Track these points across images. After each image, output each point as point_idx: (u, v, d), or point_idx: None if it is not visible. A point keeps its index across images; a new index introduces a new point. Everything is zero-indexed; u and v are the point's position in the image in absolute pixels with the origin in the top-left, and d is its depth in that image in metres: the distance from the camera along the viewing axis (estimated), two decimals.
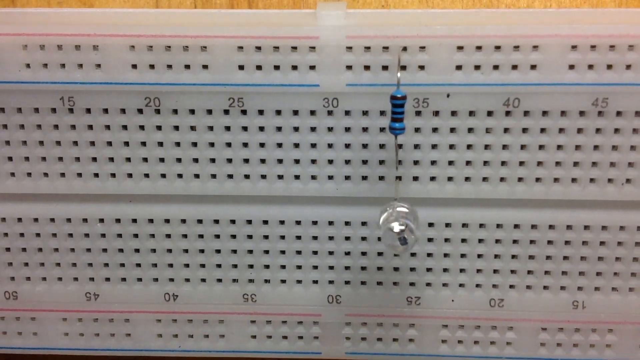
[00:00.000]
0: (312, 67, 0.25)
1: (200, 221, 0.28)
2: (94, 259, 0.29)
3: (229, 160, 0.27)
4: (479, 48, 0.25)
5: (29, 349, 0.30)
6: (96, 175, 0.27)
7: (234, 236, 0.28)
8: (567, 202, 0.27)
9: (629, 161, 0.26)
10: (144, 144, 0.27)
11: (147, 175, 0.27)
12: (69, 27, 0.25)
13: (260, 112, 0.26)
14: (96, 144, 0.27)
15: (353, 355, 0.29)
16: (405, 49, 0.25)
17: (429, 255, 0.28)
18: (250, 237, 0.28)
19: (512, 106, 0.25)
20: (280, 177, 0.27)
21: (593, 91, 0.25)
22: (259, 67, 0.25)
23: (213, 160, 0.27)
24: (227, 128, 0.26)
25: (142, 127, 0.27)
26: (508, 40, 0.25)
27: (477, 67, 0.25)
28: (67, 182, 0.27)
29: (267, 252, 0.28)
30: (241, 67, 0.26)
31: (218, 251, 0.28)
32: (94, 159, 0.27)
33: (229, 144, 0.27)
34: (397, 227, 0.24)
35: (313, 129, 0.26)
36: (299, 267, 0.28)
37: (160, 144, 0.27)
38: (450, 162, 0.27)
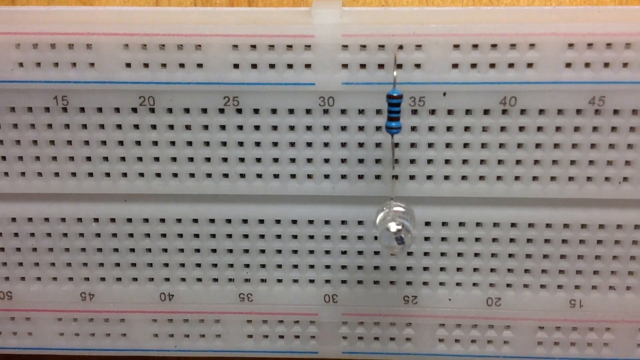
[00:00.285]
0: (308, 66, 0.25)
1: (195, 220, 0.28)
2: (89, 258, 0.28)
3: (225, 160, 0.27)
4: (475, 46, 0.25)
5: (24, 349, 0.30)
6: (90, 174, 0.27)
7: (229, 235, 0.28)
8: (564, 200, 0.27)
9: (626, 159, 0.26)
10: (138, 143, 0.27)
11: (141, 175, 0.27)
12: (62, 26, 0.25)
13: (256, 111, 0.26)
14: (90, 143, 0.27)
15: (350, 355, 0.29)
16: (401, 47, 0.25)
17: (426, 254, 0.28)
18: (246, 236, 0.28)
19: (508, 104, 0.25)
20: (276, 176, 0.27)
21: (590, 89, 0.25)
22: (254, 66, 0.25)
23: (208, 160, 0.27)
24: (222, 127, 0.26)
25: (136, 126, 0.26)
26: (504, 38, 0.25)
27: (474, 66, 0.25)
28: (61, 182, 0.27)
29: (263, 251, 0.28)
30: (236, 66, 0.25)
31: (214, 250, 0.28)
32: (88, 159, 0.27)
33: (224, 143, 0.27)
34: (394, 227, 0.24)
35: (309, 128, 0.26)
36: (295, 266, 0.28)
37: (155, 143, 0.27)
38: (447, 161, 0.26)
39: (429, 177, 0.27)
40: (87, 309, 0.29)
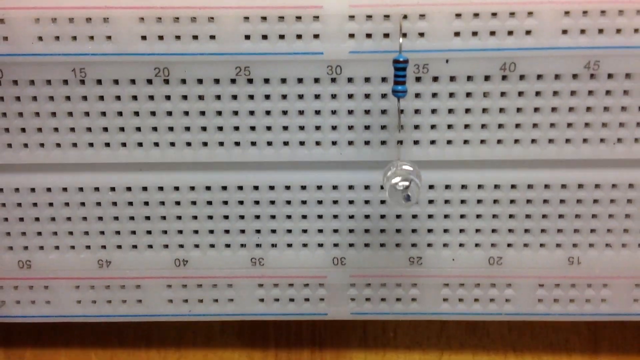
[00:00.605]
0: (316, 36, 0.26)
1: (208, 188, 0.29)
2: (106, 226, 0.29)
3: (236, 128, 0.28)
4: (476, 15, 0.26)
5: (43, 317, 0.31)
6: (107, 144, 0.28)
7: (241, 202, 0.29)
8: (561, 161, 0.28)
9: (619, 121, 0.27)
10: (153, 113, 0.28)
11: (156, 144, 0.28)
12: (80, 1, 0.26)
13: (266, 80, 0.27)
14: (107, 114, 0.28)
15: (358, 316, 0.31)
16: (405, 17, 0.26)
17: (430, 216, 0.29)
18: (257, 202, 0.29)
19: (508, 70, 0.27)
20: (286, 143, 0.28)
21: (585, 55, 0.26)
22: (264, 37, 0.26)
23: (221, 129, 0.28)
24: (234, 97, 0.27)
25: (151, 97, 0.27)
26: (504, 7, 0.26)
27: (475, 34, 0.26)
28: (79, 152, 0.28)
29: (273, 217, 0.29)
30: (247, 37, 0.26)
31: (226, 217, 0.29)
32: (105, 129, 0.28)
33: (235, 112, 0.28)
34: (401, 183, 0.25)
35: (317, 96, 0.27)
36: (305, 231, 0.29)
37: (170, 113, 0.28)
38: (450, 126, 0.28)
39: (433, 142, 0.28)
40: (104, 276, 0.30)
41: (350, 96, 0.27)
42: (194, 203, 0.29)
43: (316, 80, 0.27)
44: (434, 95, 0.27)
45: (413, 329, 0.34)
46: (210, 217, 0.29)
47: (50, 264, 0.30)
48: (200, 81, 0.27)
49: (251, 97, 0.27)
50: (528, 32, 0.26)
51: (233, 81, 0.27)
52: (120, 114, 0.28)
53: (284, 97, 0.27)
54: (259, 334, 0.35)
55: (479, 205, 0.29)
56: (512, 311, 0.30)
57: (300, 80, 0.27)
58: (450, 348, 0.35)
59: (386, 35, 0.26)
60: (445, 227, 0.29)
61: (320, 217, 0.29)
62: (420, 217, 0.29)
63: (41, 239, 0.30)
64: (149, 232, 0.29)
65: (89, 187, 0.29)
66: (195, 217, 0.29)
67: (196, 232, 0.29)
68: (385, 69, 0.27)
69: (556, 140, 0.28)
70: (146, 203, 0.29)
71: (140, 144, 0.28)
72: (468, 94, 0.27)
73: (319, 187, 0.29)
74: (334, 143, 0.28)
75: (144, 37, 0.26)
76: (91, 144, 0.28)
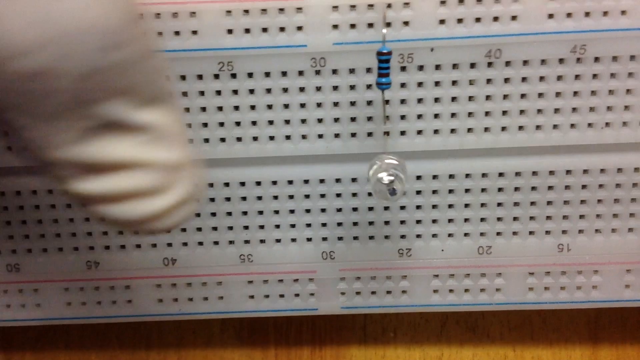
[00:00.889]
0: (299, 28, 0.26)
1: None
2: (93, 227, 0.29)
3: (221, 124, 0.28)
4: (461, 1, 0.26)
5: (33, 321, 0.31)
6: None
7: (228, 199, 0.29)
8: (549, 148, 0.28)
9: (607, 105, 0.27)
10: None
11: None
12: None
13: (250, 74, 0.27)
14: None
15: (348, 310, 0.30)
16: (389, 5, 0.26)
17: (418, 207, 0.29)
18: (244, 198, 0.29)
19: (494, 57, 0.26)
20: (272, 138, 0.28)
21: (571, 39, 0.26)
22: (247, 31, 0.26)
23: (205, 125, 0.28)
24: (218, 92, 0.27)
25: None
26: None
27: (460, 21, 0.26)
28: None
29: (261, 212, 0.29)
30: (230, 32, 0.26)
31: (214, 214, 0.29)
32: None
33: (220, 108, 0.27)
34: (386, 177, 0.25)
35: (302, 89, 0.27)
36: (293, 225, 0.29)
37: None
38: (436, 115, 0.27)
39: (419, 132, 0.28)
40: (93, 277, 0.30)
41: (335, 88, 0.27)
42: None
43: (300, 73, 0.27)
44: (420, 84, 0.27)
45: (413, 329, 0.34)
46: (198, 215, 0.29)
47: (38, 267, 0.30)
48: (183, 77, 0.27)
49: (235, 92, 0.27)
50: (514, 18, 0.26)
51: (216, 76, 0.27)
52: None
53: (268, 91, 0.27)
54: (258, 334, 0.35)
55: (467, 195, 0.29)
56: (503, 301, 0.30)
57: (284, 74, 0.27)
58: (450, 348, 0.35)
59: (370, 25, 0.26)
60: (433, 217, 0.29)
61: (308, 211, 0.29)
62: (408, 209, 0.29)
63: (29, 242, 0.29)
64: (136, 232, 0.29)
65: None
66: None
67: (184, 230, 0.29)
68: (370, 60, 0.26)
69: (544, 126, 0.27)
70: None
71: None
72: (454, 82, 0.27)
73: (306, 181, 0.29)
74: (320, 136, 0.28)
75: None
76: None
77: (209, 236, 0.29)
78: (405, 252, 0.29)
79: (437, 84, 0.27)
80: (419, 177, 0.28)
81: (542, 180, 0.28)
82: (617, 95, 0.27)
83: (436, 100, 0.27)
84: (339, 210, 0.29)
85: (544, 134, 0.28)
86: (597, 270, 0.30)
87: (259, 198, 0.29)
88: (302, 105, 0.27)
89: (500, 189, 0.29)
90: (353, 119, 0.27)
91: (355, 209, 0.29)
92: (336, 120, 0.28)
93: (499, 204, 0.29)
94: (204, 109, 0.27)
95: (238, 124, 0.28)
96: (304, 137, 0.28)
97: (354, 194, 0.29)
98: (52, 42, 0.15)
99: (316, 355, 0.35)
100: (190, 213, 0.19)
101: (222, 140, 0.28)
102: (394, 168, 0.25)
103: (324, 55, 0.26)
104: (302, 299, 0.30)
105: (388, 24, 0.26)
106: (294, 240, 0.29)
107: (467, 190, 0.29)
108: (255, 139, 0.28)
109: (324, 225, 0.29)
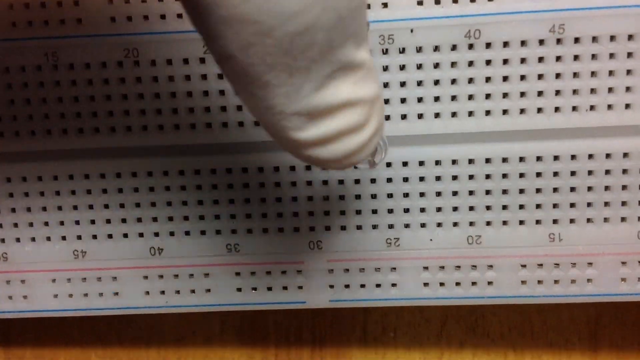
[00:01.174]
0: None
1: (181, 172, 0.29)
2: (81, 216, 0.29)
3: (207, 109, 0.28)
4: None
5: (20, 313, 0.30)
6: (80, 130, 0.28)
7: (215, 186, 0.29)
8: (534, 132, 0.28)
9: (590, 87, 0.27)
10: (125, 97, 0.28)
11: (128, 129, 0.28)
12: None
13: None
14: (80, 99, 0.28)
15: (337, 303, 0.30)
16: None
17: (406, 195, 0.29)
18: (230, 186, 0.29)
19: (473, 38, 0.27)
20: (257, 123, 0.28)
21: (549, 17, 0.26)
22: None
23: (192, 110, 0.28)
24: (204, 76, 0.28)
25: (122, 80, 0.28)
26: None
27: (437, 2, 0.26)
28: (53, 140, 0.28)
29: (247, 200, 0.29)
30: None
31: (200, 202, 0.29)
32: (78, 114, 0.28)
33: (206, 93, 0.28)
34: None
35: None
36: (280, 214, 0.29)
37: (141, 95, 0.28)
38: (420, 99, 0.27)
39: (403, 117, 0.28)
40: (80, 268, 0.30)
41: None
42: (167, 188, 0.29)
43: None
44: (402, 67, 0.27)
45: (413, 329, 0.34)
46: (185, 203, 0.29)
47: (26, 256, 0.30)
48: (169, 62, 0.27)
49: (220, 76, 0.27)
50: None
51: (202, 60, 0.27)
52: (92, 98, 0.28)
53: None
54: (259, 333, 0.35)
55: (455, 182, 0.28)
56: (495, 294, 0.29)
57: None
58: (450, 348, 0.34)
59: None
60: (421, 205, 0.29)
61: (294, 199, 0.29)
62: (395, 196, 0.29)
63: (17, 231, 0.30)
64: (123, 221, 0.29)
65: (64, 175, 0.29)
66: (169, 204, 0.29)
67: (171, 219, 0.29)
68: None
69: (527, 109, 0.27)
70: (120, 190, 0.29)
71: (112, 129, 0.28)
72: (436, 65, 0.27)
73: (292, 168, 0.28)
74: None
75: (112, 19, 0.27)
76: (65, 130, 0.28)
77: (196, 225, 0.29)
78: (393, 242, 0.29)
79: (419, 67, 0.27)
80: (405, 164, 0.28)
81: (529, 166, 0.28)
82: (600, 77, 0.27)
83: (419, 83, 0.27)
84: (326, 198, 0.29)
85: (528, 118, 0.27)
86: (591, 263, 0.29)
87: (246, 185, 0.29)
88: None
89: (487, 176, 0.28)
90: None
91: (342, 197, 0.29)
92: None
93: (487, 192, 0.28)
94: (189, 94, 0.28)
95: (224, 108, 0.28)
96: None
97: (340, 181, 0.29)
98: (317, 1, 0.16)
99: (316, 355, 0.34)
100: (376, 144, 0.20)
101: (208, 125, 0.28)
102: None
103: None
104: (290, 292, 0.30)
105: (368, 6, 0.26)
106: (281, 230, 0.29)
107: (454, 178, 0.28)
108: (241, 124, 0.28)
109: (310, 214, 0.29)
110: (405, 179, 0.28)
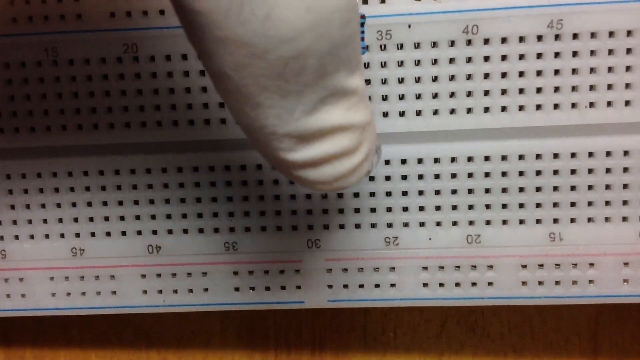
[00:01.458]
0: None
1: (180, 169, 0.29)
2: (79, 213, 0.29)
3: (205, 106, 0.28)
4: None
5: (18, 311, 0.30)
6: (79, 127, 0.28)
7: (213, 183, 0.29)
8: (534, 129, 0.27)
9: (589, 84, 0.27)
10: (124, 92, 0.28)
11: (127, 125, 0.28)
12: None
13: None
14: (79, 94, 0.28)
15: (335, 303, 0.30)
16: None
17: (404, 193, 0.28)
18: (229, 183, 0.29)
19: (471, 33, 0.27)
20: None
21: (547, 13, 0.26)
22: None
23: (190, 106, 0.28)
24: (202, 72, 0.28)
25: (121, 76, 0.28)
26: None
27: None
28: (52, 136, 0.29)
29: (245, 198, 0.29)
30: None
31: (199, 200, 0.29)
32: (78, 111, 0.28)
33: (204, 89, 0.28)
34: None
35: None
36: (278, 213, 0.29)
37: (140, 91, 0.28)
38: (418, 96, 0.27)
39: (402, 114, 0.28)
40: (78, 266, 0.30)
41: None
42: (166, 186, 0.29)
43: None
44: (400, 63, 0.27)
45: (413, 329, 0.34)
46: (183, 201, 0.29)
47: (24, 253, 0.30)
48: (168, 57, 0.28)
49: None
50: None
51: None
52: (92, 94, 0.28)
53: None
54: (259, 334, 0.34)
55: (454, 180, 0.28)
56: (495, 295, 0.29)
57: None
58: (450, 348, 0.34)
59: None
60: (420, 204, 0.28)
61: (292, 197, 0.29)
62: (394, 195, 0.28)
63: (16, 228, 0.30)
64: (122, 218, 0.29)
65: (63, 171, 0.29)
66: (167, 201, 0.29)
67: (169, 217, 0.29)
68: None
69: (526, 106, 0.27)
70: (119, 187, 0.29)
71: (111, 125, 0.28)
72: (434, 61, 0.27)
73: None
74: None
75: (112, 14, 0.27)
76: (64, 127, 0.28)
77: (194, 223, 0.29)
78: (392, 241, 0.29)
79: (417, 63, 0.27)
80: (403, 161, 0.28)
81: (529, 164, 0.28)
82: (599, 73, 0.27)
83: (417, 80, 0.27)
84: (325, 197, 0.29)
85: (527, 115, 0.27)
86: (592, 264, 0.28)
87: (244, 183, 0.29)
88: None
89: (487, 174, 0.28)
90: None
91: (340, 195, 0.29)
92: None
93: (487, 190, 0.28)
94: (188, 90, 0.28)
95: (222, 105, 0.28)
96: None
97: None
98: (313, 27, 0.17)
99: (316, 355, 0.34)
100: (369, 168, 0.21)
101: (207, 122, 0.28)
102: None
103: None
104: (288, 291, 0.30)
105: (365, 1, 0.27)
106: (279, 228, 0.29)
107: (453, 175, 0.28)
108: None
109: (309, 212, 0.29)
110: (404, 177, 0.28)
